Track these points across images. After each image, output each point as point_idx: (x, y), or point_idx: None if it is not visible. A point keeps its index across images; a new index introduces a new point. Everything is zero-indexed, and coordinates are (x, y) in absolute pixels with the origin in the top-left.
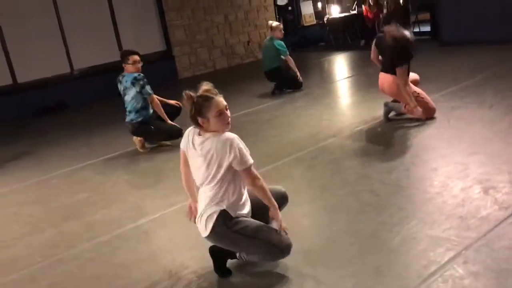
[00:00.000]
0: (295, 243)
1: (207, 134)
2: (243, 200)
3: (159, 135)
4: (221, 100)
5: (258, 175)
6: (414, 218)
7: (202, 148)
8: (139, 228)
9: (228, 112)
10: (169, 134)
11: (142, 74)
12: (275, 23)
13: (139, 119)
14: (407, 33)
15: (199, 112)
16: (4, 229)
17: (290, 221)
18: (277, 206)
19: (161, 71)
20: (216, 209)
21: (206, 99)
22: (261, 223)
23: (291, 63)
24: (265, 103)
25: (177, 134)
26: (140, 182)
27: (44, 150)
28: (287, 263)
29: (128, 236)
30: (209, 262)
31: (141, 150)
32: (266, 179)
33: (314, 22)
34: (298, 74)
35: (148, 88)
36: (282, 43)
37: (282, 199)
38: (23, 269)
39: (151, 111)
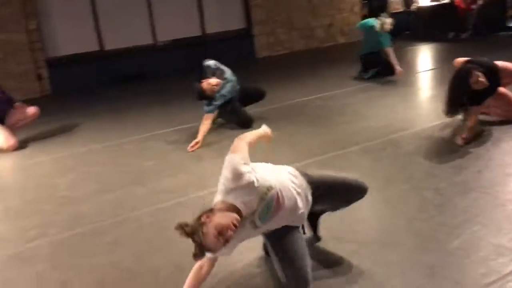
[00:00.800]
0: (349, 233)
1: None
2: None
3: (232, 117)
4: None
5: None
6: (478, 223)
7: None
8: (200, 199)
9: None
10: (241, 121)
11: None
12: (388, 20)
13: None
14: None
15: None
16: (76, 186)
17: (348, 211)
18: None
19: (239, 49)
20: None
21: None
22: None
23: (392, 54)
24: (339, 89)
25: (248, 124)
26: (206, 154)
27: (121, 116)
28: (338, 252)
29: (189, 205)
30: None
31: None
32: (328, 166)
33: (402, 9)
34: (397, 64)
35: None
36: (388, 36)
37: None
38: (89, 225)
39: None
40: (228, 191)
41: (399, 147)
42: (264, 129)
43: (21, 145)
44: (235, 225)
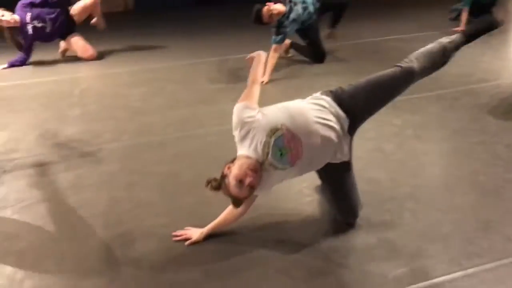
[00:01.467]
0: (408, 177)
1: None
2: None
3: (305, 50)
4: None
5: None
6: None
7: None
8: None
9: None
10: (315, 54)
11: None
12: None
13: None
14: None
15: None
16: (148, 99)
17: (410, 155)
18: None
19: None
20: None
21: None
22: None
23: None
24: (421, 32)
25: (320, 58)
26: (271, 89)
27: (198, 37)
28: (392, 193)
29: None
30: None
31: (283, 55)
32: (396, 110)
33: None
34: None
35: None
36: None
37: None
38: (156, 136)
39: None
40: (239, 141)
41: (476, 98)
42: (260, 54)
43: (100, 56)
44: (253, 170)
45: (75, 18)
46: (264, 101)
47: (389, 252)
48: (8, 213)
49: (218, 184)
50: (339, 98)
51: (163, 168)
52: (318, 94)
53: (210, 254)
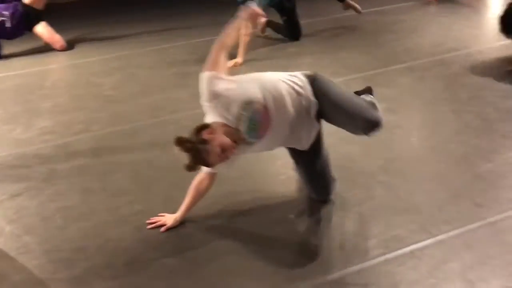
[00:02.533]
0: (378, 149)
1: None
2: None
3: (281, 27)
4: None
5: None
6: None
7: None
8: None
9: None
10: (290, 31)
11: None
12: None
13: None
14: None
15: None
16: (121, 86)
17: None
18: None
19: None
20: None
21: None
22: None
23: None
24: (395, 3)
25: (296, 36)
26: (251, 63)
27: (171, 20)
28: (364, 167)
29: None
30: None
31: (260, 34)
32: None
33: None
34: None
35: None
36: None
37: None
38: (129, 124)
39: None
40: (211, 111)
41: (447, 67)
42: (242, 15)
43: (70, 46)
44: (236, 142)
45: (35, 6)
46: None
47: (362, 225)
48: None
49: (192, 147)
50: (313, 83)
51: (137, 156)
52: (295, 73)
53: (186, 240)
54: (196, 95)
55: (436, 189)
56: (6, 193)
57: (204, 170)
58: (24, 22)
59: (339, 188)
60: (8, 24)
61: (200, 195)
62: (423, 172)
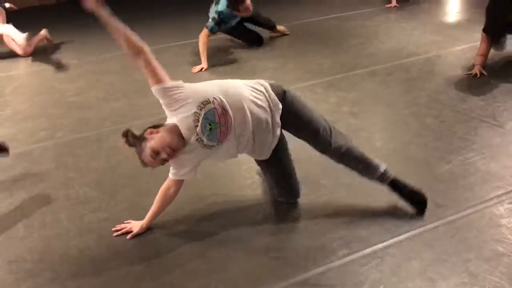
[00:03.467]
0: None
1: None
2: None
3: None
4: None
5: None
6: (473, 151)
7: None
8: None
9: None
10: (251, 39)
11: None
12: None
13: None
14: None
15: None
16: (85, 93)
17: (345, 131)
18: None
19: None
20: None
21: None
22: None
23: None
24: (357, 9)
25: (259, 43)
26: (209, 76)
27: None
28: (328, 169)
29: None
30: None
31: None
32: (333, 88)
33: None
34: None
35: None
36: None
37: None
38: (93, 130)
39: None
40: (169, 113)
41: (408, 72)
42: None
43: (34, 51)
44: (172, 149)
45: None
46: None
47: (326, 226)
48: None
49: (135, 142)
50: (276, 91)
51: (100, 163)
52: (261, 80)
53: (152, 246)
54: (158, 102)
55: None
56: None
57: (171, 176)
58: None
59: (304, 190)
60: None
61: (167, 202)
62: None
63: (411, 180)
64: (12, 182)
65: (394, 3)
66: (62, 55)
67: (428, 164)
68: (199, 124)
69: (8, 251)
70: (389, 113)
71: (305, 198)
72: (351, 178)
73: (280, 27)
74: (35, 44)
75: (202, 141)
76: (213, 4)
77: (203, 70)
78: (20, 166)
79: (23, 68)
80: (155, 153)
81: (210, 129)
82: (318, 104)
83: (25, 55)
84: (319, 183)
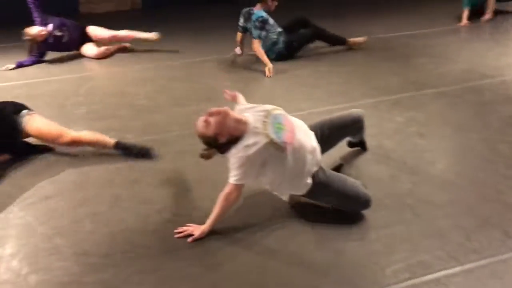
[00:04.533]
0: (407, 173)
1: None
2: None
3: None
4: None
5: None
6: None
7: None
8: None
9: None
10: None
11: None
12: None
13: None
14: None
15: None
16: (154, 97)
17: (411, 152)
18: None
19: None
20: None
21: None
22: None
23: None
24: (429, 28)
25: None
26: (275, 82)
27: (204, 35)
28: (392, 189)
29: None
30: None
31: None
32: (399, 106)
33: None
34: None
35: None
36: None
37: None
38: (161, 134)
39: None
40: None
41: (480, 95)
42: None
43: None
44: (223, 115)
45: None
46: (269, 95)
47: (387, 247)
48: (15, 210)
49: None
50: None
51: (166, 165)
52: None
53: (211, 252)
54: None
55: (464, 217)
56: (38, 195)
57: (232, 181)
58: (78, 42)
59: (368, 208)
60: (64, 40)
61: (228, 207)
62: (450, 198)
63: (478, 206)
64: (82, 178)
65: (465, 20)
66: (133, 59)
67: (499, 192)
68: (268, 120)
69: (76, 244)
70: (457, 137)
71: (366, 216)
72: (415, 200)
73: (354, 40)
74: (113, 50)
75: (271, 137)
76: (242, 19)
77: (270, 69)
78: (91, 163)
79: (96, 70)
80: (220, 128)
81: (278, 128)
82: (383, 122)
83: (98, 58)
84: (382, 202)
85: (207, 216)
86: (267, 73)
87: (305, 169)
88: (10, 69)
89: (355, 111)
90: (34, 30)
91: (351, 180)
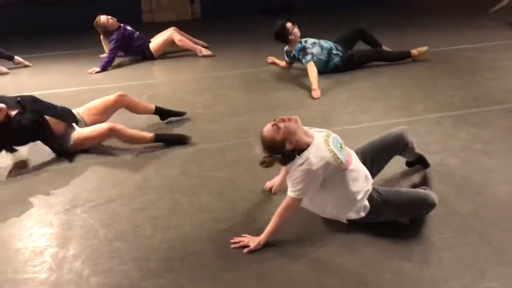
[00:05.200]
0: (470, 194)
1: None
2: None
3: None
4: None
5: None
6: None
7: None
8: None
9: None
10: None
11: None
12: None
13: None
14: None
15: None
16: (212, 106)
17: (475, 170)
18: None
19: None
20: None
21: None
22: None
23: None
24: (492, 41)
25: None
26: (334, 94)
27: (260, 46)
28: (456, 209)
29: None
30: None
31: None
32: (462, 122)
33: None
34: None
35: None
36: None
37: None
38: (217, 142)
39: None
40: None
41: None
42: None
43: (169, 62)
44: (293, 122)
45: (153, 52)
46: (327, 106)
47: (452, 271)
48: (78, 212)
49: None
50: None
51: (223, 174)
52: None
53: (267, 264)
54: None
55: None
56: (102, 198)
57: (291, 194)
58: (140, 51)
59: (430, 228)
60: (136, 35)
61: (285, 219)
62: None
63: None
64: (143, 183)
65: None
66: (192, 68)
67: None
68: (330, 140)
69: (136, 248)
70: None
71: (427, 236)
72: (480, 222)
73: (418, 50)
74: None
75: (334, 153)
76: (287, 58)
77: (316, 93)
78: (151, 168)
79: (158, 77)
80: (288, 133)
81: (340, 147)
82: (446, 139)
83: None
84: (446, 223)
85: (261, 227)
86: (313, 95)
87: (362, 190)
88: (96, 72)
89: (396, 129)
90: (102, 18)
91: (403, 188)
